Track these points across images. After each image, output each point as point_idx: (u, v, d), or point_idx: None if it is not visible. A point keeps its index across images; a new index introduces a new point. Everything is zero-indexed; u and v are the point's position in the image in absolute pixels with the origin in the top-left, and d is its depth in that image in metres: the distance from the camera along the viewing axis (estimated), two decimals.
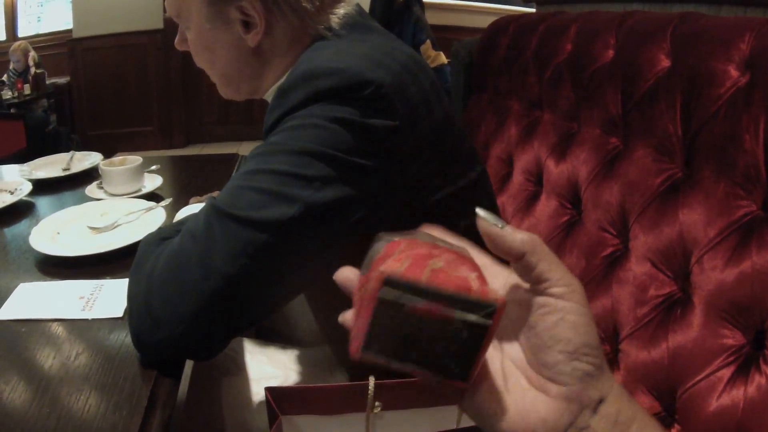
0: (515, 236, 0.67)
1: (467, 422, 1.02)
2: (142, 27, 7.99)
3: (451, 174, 1.52)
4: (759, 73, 1.50)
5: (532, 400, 0.66)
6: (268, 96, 1.64)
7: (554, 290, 0.66)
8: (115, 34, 8.07)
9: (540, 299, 0.67)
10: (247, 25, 1.53)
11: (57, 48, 8.21)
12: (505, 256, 0.69)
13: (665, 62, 1.79)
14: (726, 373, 1.43)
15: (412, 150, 1.40)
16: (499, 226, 0.68)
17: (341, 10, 1.57)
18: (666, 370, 1.58)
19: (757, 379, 1.36)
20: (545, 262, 0.67)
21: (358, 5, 1.63)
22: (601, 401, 0.67)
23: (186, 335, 1.31)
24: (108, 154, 2.66)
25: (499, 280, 0.74)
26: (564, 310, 0.66)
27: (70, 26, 8.12)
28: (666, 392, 1.58)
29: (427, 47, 5.57)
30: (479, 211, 0.70)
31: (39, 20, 8.34)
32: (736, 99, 1.54)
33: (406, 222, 1.35)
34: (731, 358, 1.43)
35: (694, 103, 1.65)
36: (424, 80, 1.47)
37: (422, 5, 5.87)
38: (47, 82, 7.78)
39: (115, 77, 8.31)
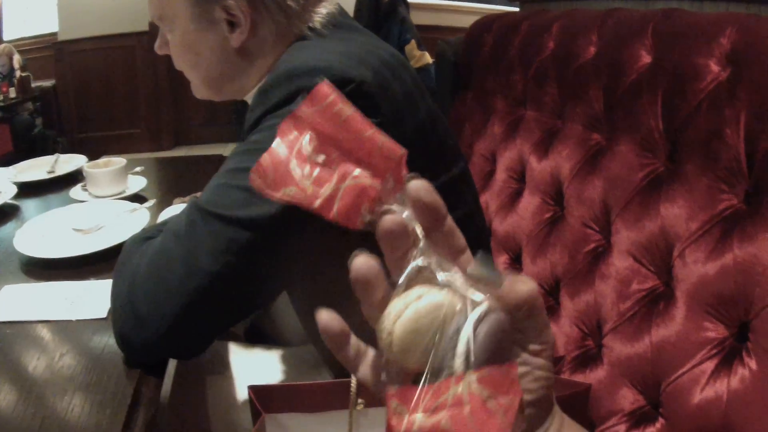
0: (513, 294, 0.62)
1: None
2: (128, 29, 7.97)
3: (435, 170, 1.53)
4: (740, 67, 1.51)
5: None
6: (249, 97, 1.64)
7: (532, 347, 0.64)
8: (102, 36, 8.04)
9: (517, 350, 0.65)
10: (232, 25, 1.54)
11: (43, 51, 8.18)
12: (508, 311, 0.63)
13: (647, 58, 1.80)
14: (709, 366, 1.43)
15: None
16: (496, 286, 0.63)
17: (324, 10, 1.58)
18: (650, 363, 1.58)
19: (741, 372, 1.36)
20: (540, 319, 0.64)
21: (339, 5, 1.64)
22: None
23: (170, 334, 1.32)
24: (95, 157, 2.66)
25: None
26: (534, 365, 0.65)
27: (56, 29, 8.09)
28: (650, 386, 1.59)
29: (412, 47, 5.58)
30: (469, 270, 0.64)
31: (24, 23, 8.30)
32: (718, 93, 1.54)
33: None
34: (714, 351, 1.44)
35: (676, 98, 1.66)
36: (406, 78, 1.48)
37: (407, 5, 5.88)
38: (33, 85, 7.76)
39: (102, 80, 8.29)
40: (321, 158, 0.67)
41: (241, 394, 1.82)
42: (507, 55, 2.52)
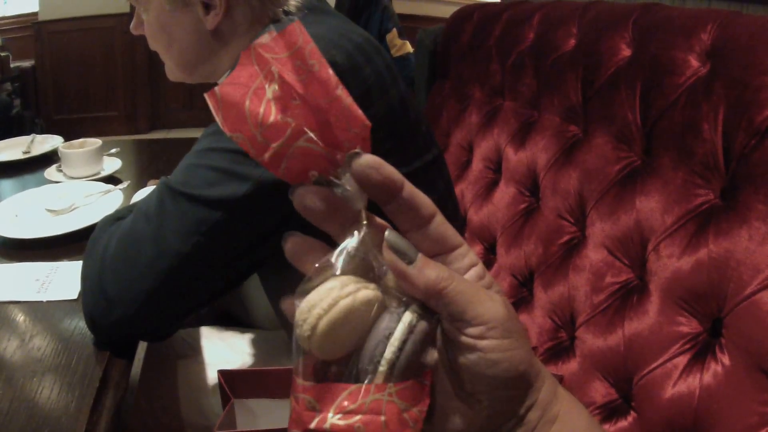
0: (421, 278, 0.60)
1: None
2: (108, 10, 7.93)
3: (407, 155, 1.53)
4: (720, 63, 1.51)
5: (454, 407, 0.65)
6: (222, 80, 1.64)
7: (471, 331, 0.61)
8: (82, 17, 8.00)
9: (457, 338, 0.62)
10: (207, 7, 1.53)
11: (22, 31, 8.13)
12: (413, 294, 0.62)
13: (626, 51, 1.80)
14: (682, 360, 1.44)
15: None
16: (406, 261, 0.61)
17: None
18: (622, 357, 1.58)
19: (713, 367, 1.36)
20: (457, 304, 0.61)
21: None
22: (529, 408, 0.66)
23: (139, 314, 1.31)
24: (72, 138, 2.64)
25: None
26: (484, 350, 0.61)
27: (36, 9, 8.05)
28: (622, 379, 1.59)
29: (393, 36, 5.57)
30: (388, 235, 0.61)
31: (5, 2, 8.25)
32: (696, 88, 1.54)
33: None
34: (687, 346, 1.44)
35: (654, 91, 1.65)
36: (378, 62, 1.47)
37: None
38: (12, 65, 7.71)
39: (81, 61, 8.24)
40: (278, 104, 0.59)
41: (212, 378, 1.82)
42: (486, 44, 2.51)
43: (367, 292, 0.61)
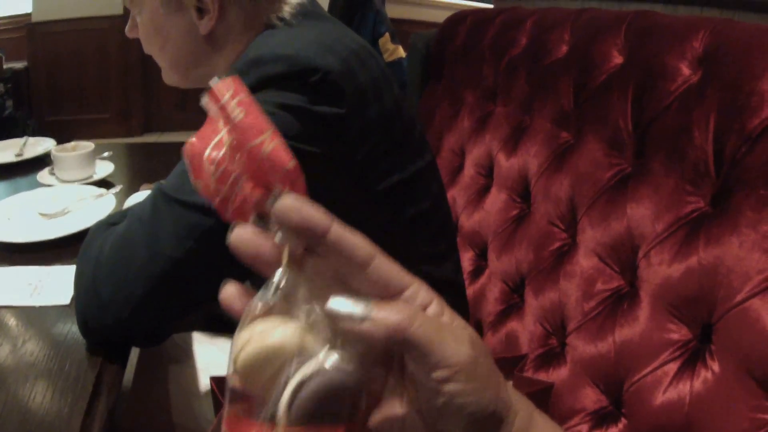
0: (380, 331, 0.58)
1: None
2: (102, 12, 7.91)
3: (400, 161, 1.54)
4: (712, 71, 1.51)
5: None
6: None
7: (436, 375, 0.59)
8: (75, 18, 7.99)
9: (423, 381, 0.60)
10: (201, 12, 1.54)
11: (15, 31, 8.11)
12: (374, 345, 0.60)
13: (618, 58, 1.80)
14: (672, 367, 1.44)
15: (359, 136, 1.41)
16: (358, 322, 0.58)
17: (294, 0, 1.58)
18: (613, 363, 1.59)
19: (704, 374, 1.37)
20: (421, 347, 0.59)
21: None
22: None
23: (133, 319, 1.32)
24: (65, 140, 2.64)
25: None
26: (450, 395, 0.60)
27: (29, 10, 8.03)
28: (613, 386, 1.59)
29: (386, 40, 5.57)
30: (330, 304, 0.59)
31: None
32: (688, 95, 1.55)
33: (354, 208, 1.35)
34: (678, 353, 1.44)
35: (645, 98, 1.66)
36: (373, 67, 1.48)
37: None
38: (4, 66, 7.70)
39: (74, 63, 8.21)
40: (230, 154, 0.65)
41: (204, 383, 1.82)
42: (479, 48, 2.52)
43: (282, 332, 0.60)
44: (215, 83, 0.66)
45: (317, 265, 0.63)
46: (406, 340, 0.59)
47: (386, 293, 0.62)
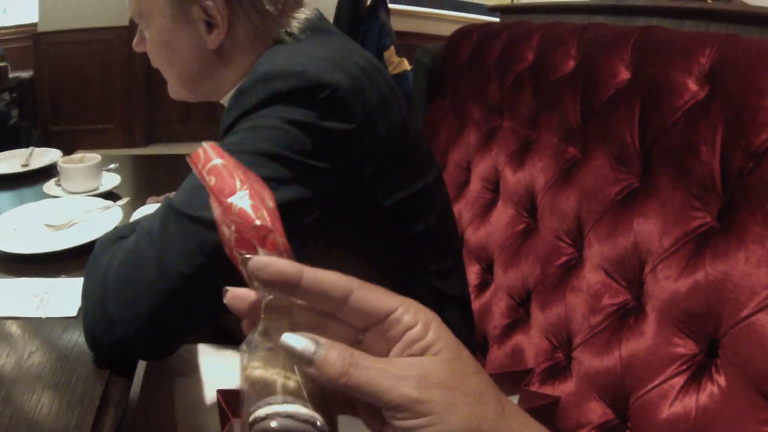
0: (323, 376, 0.62)
1: None
2: (107, 23, 7.92)
3: (407, 177, 1.54)
4: (718, 86, 1.52)
5: None
6: (225, 100, 1.64)
7: (387, 414, 0.62)
8: (81, 29, 8.00)
9: (385, 418, 0.63)
10: (210, 26, 1.54)
11: (21, 41, 8.12)
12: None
13: (625, 74, 1.81)
14: (678, 381, 1.44)
15: (367, 152, 1.41)
16: (305, 363, 0.62)
17: (302, 15, 1.58)
18: (619, 378, 1.59)
19: (709, 388, 1.37)
20: (366, 393, 0.62)
21: (318, 11, 1.65)
22: None
23: (141, 334, 1.31)
24: (69, 150, 2.65)
25: None
26: (402, 429, 0.62)
27: (35, 20, 8.04)
28: (618, 400, 1.59)
29: (391, 53, 5.58)
30: (282, 340, 0.63)
31: (5, 12, 8.24)
32: (695, 111, 1.55)
33: (360, 224, 1.35)
34: (684, 367, 1.44)
35: (652, 113, 1.66)
36: (381, 84, 1.49)
37: (388, 11, 5.89)
38: (10, 75, 7.70)
39: (79, 73, 8.21)
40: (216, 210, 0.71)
41: (210, 396, 1.82)
42: (485, 63, 2.52)
43: (257, 373, 0.64)
44: (192, 153, 0.72)
45: (299, 310, 0.67)
46: (347, 387, 0.61)
47: (371, 321, 0.66)
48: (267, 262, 0.63)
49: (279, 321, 0.65)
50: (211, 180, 0.69)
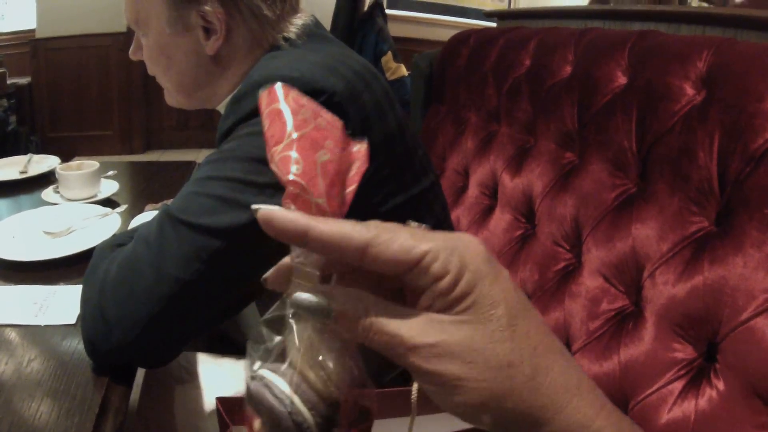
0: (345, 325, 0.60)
1: None
2: (105, 29, 7.92)
3: (403, 182, 1.54)
4: (715, 90, 1.52)
5: None
6: (221, 107, 1.65)
7: (396, 350, 0.59)
8: (78, 35, 7.99)
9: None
10: (208, 32, 1.54)
11: (19, 47, 8.11)
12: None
13: (622, 78, 1.81)
14: (677, 386, 1.44)
15: None
16: (322, 318, 0.61)
17: (299, 21, 1.59)
18: (617, 382, 1.59)
19: (708, 392, 1.37)
20: (379, 347, 0.60)
21: (314, 16, 1.65)
22: None
23: (139, 341, 1.31)
24: (67, 157, 2.65)
25: None
26: (411, 368, 0.59)
27: (33, 26, 8.04)
28: (618, 405, 1.56)
29: (388, 58, 5.57)
30: (296, 295, 0.61)
31: (2, 18, 8.23)
32: (692, 115, 1.55)
33: None
34: (683, 372, 1.44)
35: (649, 118, 1.67)
36: (377, 89, 1.49)
37: (385, 16, 5.88)
38: (8, 81, 7.69)
39: (77, 79, 8.21)
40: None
41: (209, 404, 1.81)
42: (482, 69, 2.53)
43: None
44: (260, 92, 0.67)
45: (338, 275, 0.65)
46: (365, 340, 0.60)
47: (399, 271, 0.59)
48: (272, 213, 0.59)
49: (307, 287, 0.62)
50: (266, 125, 0.64)
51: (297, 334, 0.61)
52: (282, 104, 0.66)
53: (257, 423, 0.63)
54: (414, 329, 0.59)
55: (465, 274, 0.58)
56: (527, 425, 0.60)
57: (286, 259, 0.65)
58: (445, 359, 0.58)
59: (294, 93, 0.68)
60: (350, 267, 0.64)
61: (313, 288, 0.61)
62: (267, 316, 0.65)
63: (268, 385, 0.61)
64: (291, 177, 0.62)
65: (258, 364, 0.64)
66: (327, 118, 0.68)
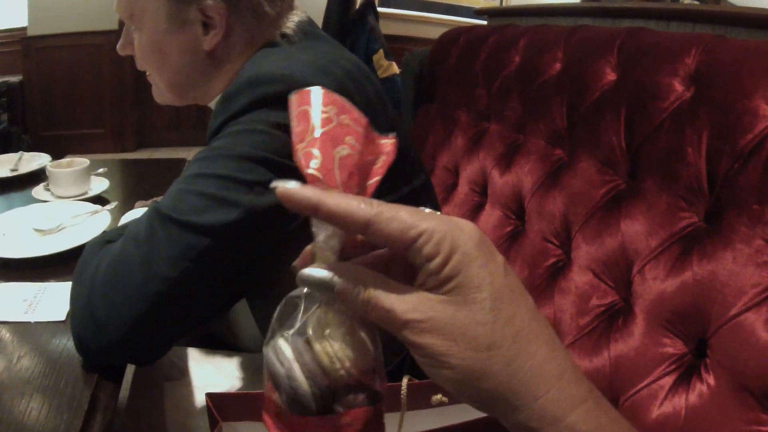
0: (349, 299, 0.65)
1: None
2: (97, 27, 7.89)
3: (395, 181, 1.54)
4: (704, 87, 1.53)
5: None
6: (213, 104, 1.64)
7: (390, 324, 0.64)
8: (70, 33, 7.97)
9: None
10: (207, 27, 1.53)
11: (11, 45, 8.09)
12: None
13: (611, 76, 1.81)
14: (668, 381, 1.45)
15: None
16: (327, 290, 0.65)
17: (296, 18, 1.59)
18: (608, 378, 1.59)
19: (699, 387, 1.37)
20: (376, 318, 0.65)
21: (307, 15, 1.65)
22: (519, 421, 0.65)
23: (128, 338, 1.31)
24: (59, 155, 2.64)
25: None
26: (404, 340, 0.63)
27: (25, 24, 8.01)
28: (608, 400, 1.59)
29: (380, 57, 5.57)
30: (304, 270, 0.66)
31: None
32: (681, 113, 1.56)
33: None
34: (673, 367, 1.45)
35: (638, 116, 1.67)
36: (368, 88, 1.49)
37: (377, 15, 5.88)
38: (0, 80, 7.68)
39: (69, 77, 8.17)
40: None
41: (199, 401, 1.81)
42: (472, 68, 2.53)
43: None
44: (292, 95, 0.70)
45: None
46: (365, 310, 0.64)
47: (399, 249, 0.63)
48: (287, 190, 0.63)
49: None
50: (294, 124, 0.68)
51: (305, 308, 0.67)
52: (310, 105, 0.68)
53: (268, 386, 0.68)
54: (407, 305, 0.62)
55: (454, 256, 0.62)
56: (501, 408, 0.63)
57: (310, 246, 0.69)
58: (432, 334, 0.62)
59: (324, 93, 0.70)
60: (365, 249, 0.70)
61: (318, 265, 0.65)
62: (293, 293, 0.69)
63: (275, 349, 0.66)
64: (310, 170, 0.65)
65: (278, 334, 0.68)
66: (353, 115, 0.71)
